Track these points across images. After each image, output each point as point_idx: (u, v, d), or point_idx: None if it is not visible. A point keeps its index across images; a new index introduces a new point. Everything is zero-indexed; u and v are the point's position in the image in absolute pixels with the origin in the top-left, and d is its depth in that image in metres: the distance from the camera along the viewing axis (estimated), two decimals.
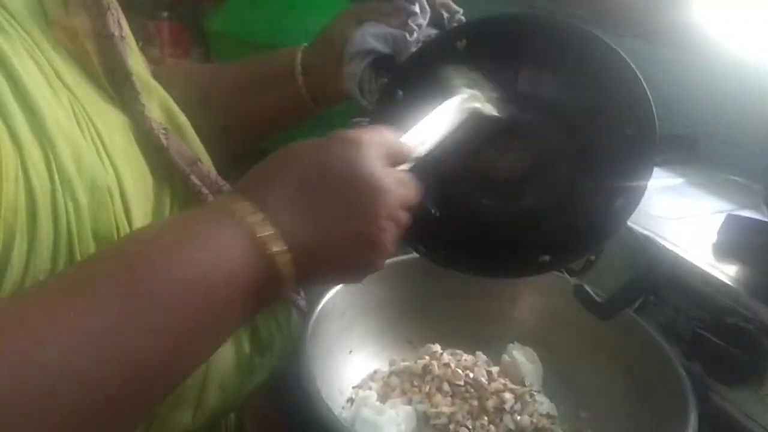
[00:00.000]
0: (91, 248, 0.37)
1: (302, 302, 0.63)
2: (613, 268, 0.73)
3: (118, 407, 0.30)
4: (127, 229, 0.39)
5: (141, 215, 0.42)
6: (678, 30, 1.03)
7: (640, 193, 0.54)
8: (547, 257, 0.61)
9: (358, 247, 0.39)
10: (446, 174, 0.65)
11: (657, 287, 0.68)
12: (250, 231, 0.34)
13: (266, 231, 0.35)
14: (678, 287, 0.67)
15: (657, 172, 0.89)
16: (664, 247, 0.70)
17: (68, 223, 0.36)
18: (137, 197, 0.41)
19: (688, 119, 0.99)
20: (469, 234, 0.68)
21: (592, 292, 0.61)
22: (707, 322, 0.64)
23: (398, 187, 0.40)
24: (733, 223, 0.70)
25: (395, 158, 0.41)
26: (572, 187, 0.60)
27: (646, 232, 0.73)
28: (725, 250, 0.69)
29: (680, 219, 0.78)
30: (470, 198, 0.63)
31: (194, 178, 0.47)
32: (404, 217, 0.41)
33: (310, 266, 0.37)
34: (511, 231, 0.66)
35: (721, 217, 0.73)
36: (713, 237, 0.72)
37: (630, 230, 0.72)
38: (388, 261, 0.75)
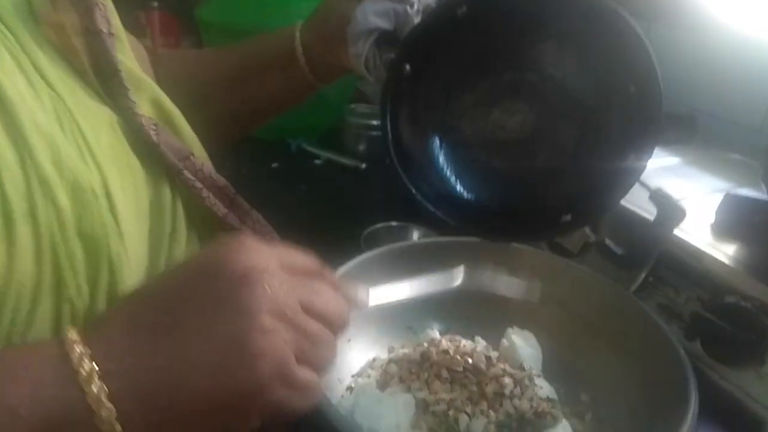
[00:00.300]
0: (78, 249, 0.36)
1: None
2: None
3: None
4: (115, 228, 0.38)
5: (130, 213, 0.41)
6: (675, 7, 1.02)
7: (650, 147, 0.56)
8: (568, 217, 0.63)
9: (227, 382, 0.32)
10: (456, 137, 0.66)
11: (656, 267, 0.68)
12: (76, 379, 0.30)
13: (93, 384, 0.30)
14: (677, 267, 0.66)
15: (654, 152, 0.88)
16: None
17: (49, 225, 0.35)
18: (125, 195, 0.40)
19: (686, 98, 0.98)
20: (487, 197, 0.69)
21: (612, 246, 0.62)
22: (706, 302, 0.63)
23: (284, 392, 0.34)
24: (731, 202, 0.70)
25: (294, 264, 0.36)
26: (581, 144, 0.63)
27: (644, 213, 0.72)
28: (724, 229, 0.69)
29: (678, 199, 0.77)
30: (481, 160, 0.65)
31: (187, 173, 0.47)
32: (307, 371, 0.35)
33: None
34: (528, 193, 0.68)
35: (720, 197, 0.72)
36: (712, 216, 0.71)
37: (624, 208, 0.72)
38: (385, 248, 0.77)
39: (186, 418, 0.32)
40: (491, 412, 0.57)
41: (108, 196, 0.39)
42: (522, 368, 0.65)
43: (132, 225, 0.40)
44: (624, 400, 0.62)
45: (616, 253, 0.70)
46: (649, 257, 0.67)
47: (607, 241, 0.71)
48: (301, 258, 0.38)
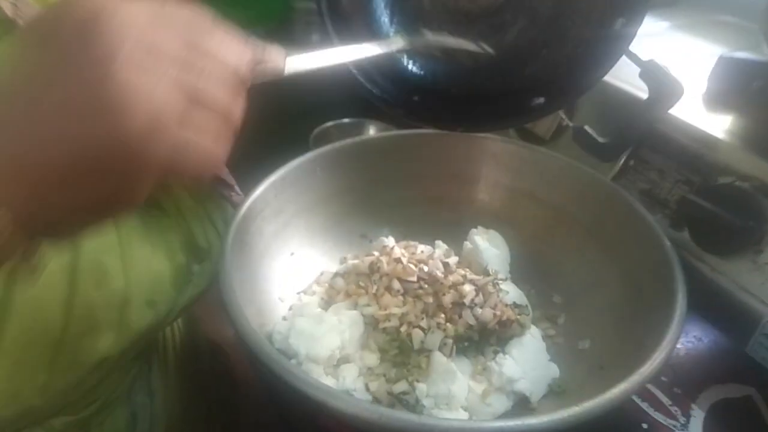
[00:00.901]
0: None
1: (238, 198, 0.54)
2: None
3: None
4: None
5: None
6: None
7: (642, 7, 0.48)
8: (541, 99, 0.56)
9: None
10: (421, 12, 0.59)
11: (638, 148, 0.58)
12: None
13: None
14: (662, 146, 0.57)
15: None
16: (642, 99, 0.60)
17: None
18: None
19: None
20: (456, 85, 0.61)
21: (593, 133, 0.54)
22: (696, 184, 0.54)
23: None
24: (726, 65, 0.59)
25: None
26: (560, 10, 0.52)
27: (627, 86, 0.62)
28: (718, 98, 0.59)
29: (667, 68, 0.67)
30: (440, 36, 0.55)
31: None
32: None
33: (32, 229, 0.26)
34: (500, 74, 0.59)
35: (712, 63, 0.62)
36: (703, 85, 0.61)
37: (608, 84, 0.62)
38: (336, 145, 0.67)
39: (63, 187, 0.26)
40: (449, 325, 0.49)
41: None
42: (486, 273, 0.57)
43: None
44: (602, 300, 0.55)
45: (598, 141, 0.61)
46: (636, 144, 0.58)
47: (587, 128, 0.62)
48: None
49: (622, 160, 0.59)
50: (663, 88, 0.56)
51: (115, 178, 0.26)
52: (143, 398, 0.53)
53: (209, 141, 0.28)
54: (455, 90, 0.62)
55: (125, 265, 0.43)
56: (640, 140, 0.58)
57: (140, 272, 0.43)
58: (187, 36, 0.27)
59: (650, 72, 0.56)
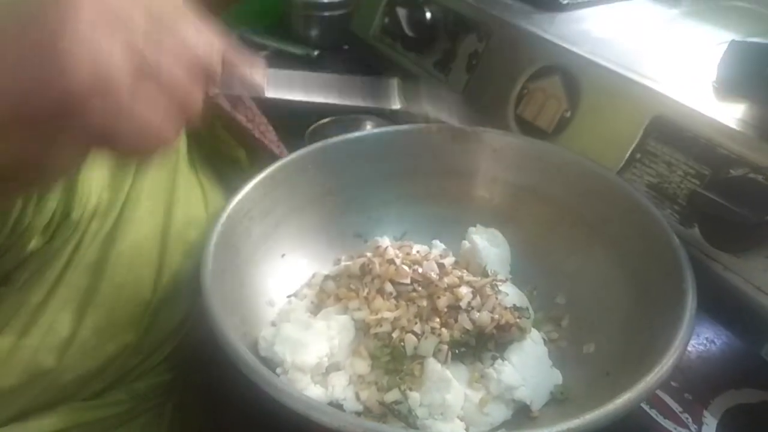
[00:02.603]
0: None
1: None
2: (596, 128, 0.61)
3: None
4: None
5: None
6: None
7: None
8: None
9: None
10: None
11: (645, 140, 0.55)
12: None
13: None
14: (670, 138, 0.54)
15: (646, 4, 0.74)
16: (650, 89, 0.57)
17: None
18: None
19: None
20: None
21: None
22: (707, 177, 0.51)
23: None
24: (738, 51, 0.56)
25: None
26: None
27: (633, 75, 0.59)
28: (729, 86, 0.56)
29: (674, 56, 0.63)
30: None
31: None
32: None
33: None
34: None
35: (723, 49, 0.59)
36: (713, 73, 0.58)
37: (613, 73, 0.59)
38: (328, 141, 0.64)
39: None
40: (444, 330, 0.46)
41: None
42: (485, 273, 0.54)
43: None
44: (608, 301, 0.52)
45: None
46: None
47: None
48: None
49: (629, 153, 0.56)
50: None
51: (53, 131, 0.25)
52: None
53: (156, 118, 0.26)
54: None
55: None
56: None
57: None
58: (154, 9, 0.27)
59: None
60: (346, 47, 1.06)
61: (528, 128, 0.66)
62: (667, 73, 0.58)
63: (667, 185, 0.54)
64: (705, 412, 0.50)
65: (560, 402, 0.47)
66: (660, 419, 0.49)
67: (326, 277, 0.54)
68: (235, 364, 0.38)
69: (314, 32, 1.08)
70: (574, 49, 0.63)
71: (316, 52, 1.04)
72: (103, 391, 0.45)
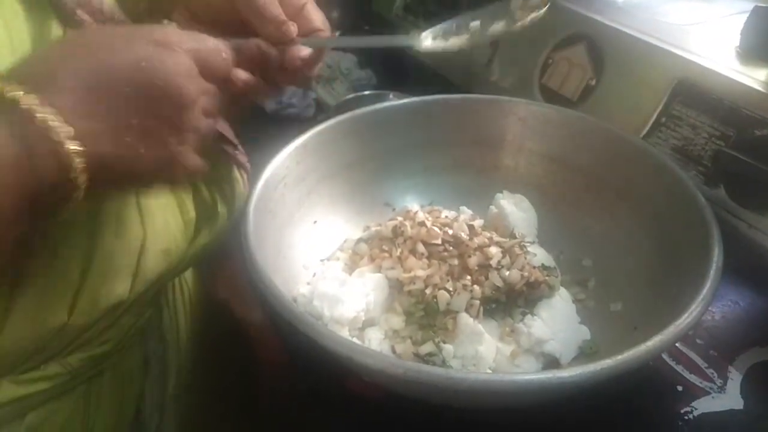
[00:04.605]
0: None
1: (242, 156, 0.54)
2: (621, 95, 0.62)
3: None
4: None
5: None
6: None
7: None
8: None
9: (153, 161, 0.34)
10: None
11: (670, 103, 0.56)
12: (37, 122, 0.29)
13: (60, 129, 0.29)
14: (695, 100, 0.55)
15: None
16: (674, 54, 0.57)
17: None
18: None
19: None
20: None
21: None
22: (732, 138, 0.52)
23: (201, 97, 0.36)
24: (761, 15, 0.57)
25: (209, 68, 0.37)
26: None
27: (657, 42, 0.60)
28: (752, 50, 0.57)
29: (697, 24, 0.64)
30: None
31: (82, 14, 0.41)
32: (206, 125, 0.37)
33: (102, 176, 0.32)
34: None
35: (745, 18, 0.59)
36: (737, 39, 0.59)
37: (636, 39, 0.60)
38: (357, 112, 0.66)
39: (123, 99, 0.32)
40: (476, 287, 0.48)
41: None
42: (513, 236, 0.55)
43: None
44: (634, 262, 0.53)
45: None
46: None
47: None
48: (211, 58, 0.37)
49: (654, 118, 0.57)
50: None
51: (158, 125, 0.33)
52: (155, 345, 0.56)
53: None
54: None
55: (142, 216, 0.44)
56: None
57: (156, 223, 0.45)
58: (200, 102, 0.36)
59: None
60: (366, 27, 1.07)
61: (553, 97, 0.67)
62: (691, 40, 0.59)
63: (692, 147, 0.55)
64: (730, 368, 0.51)
65: (589, 356, 0.48)
66: (686, 374, 0.51)
67: (359, 240, 0.56)
68: (282, 314, 0.40)
69: (334, 14, 1.09)
70: (598, 17, 0.64)
71: (337, 33, 1.05)
72: (38, 366, 0.45)
